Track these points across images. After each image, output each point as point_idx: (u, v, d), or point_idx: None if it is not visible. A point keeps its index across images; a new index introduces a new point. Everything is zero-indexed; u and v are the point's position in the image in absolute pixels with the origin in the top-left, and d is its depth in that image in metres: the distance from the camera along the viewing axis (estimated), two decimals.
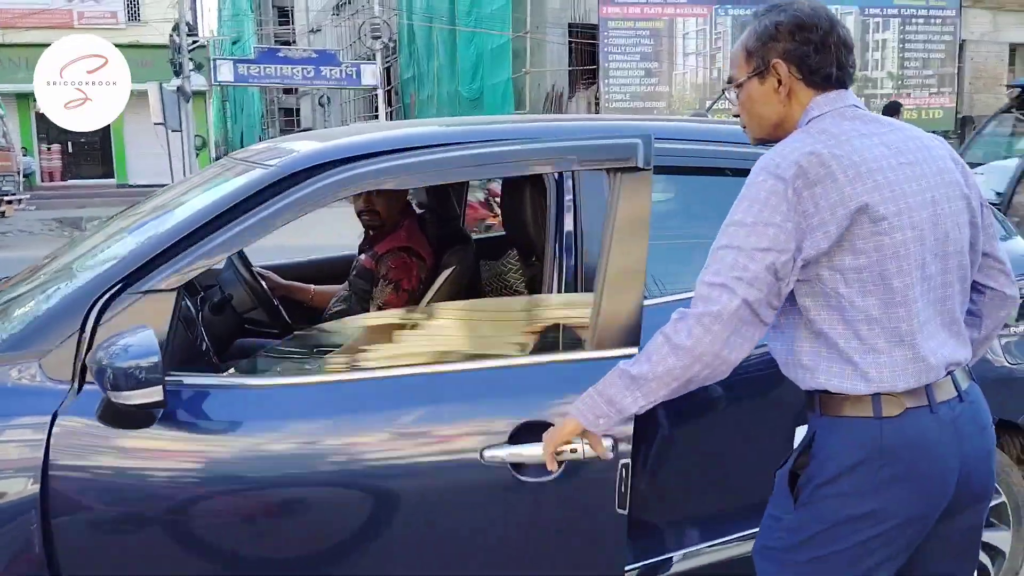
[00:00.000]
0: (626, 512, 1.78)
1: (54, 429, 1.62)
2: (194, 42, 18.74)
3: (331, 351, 2.11)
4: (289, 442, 1.72)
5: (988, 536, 2.29)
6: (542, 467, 1.67)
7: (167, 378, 1.63)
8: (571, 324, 2.03)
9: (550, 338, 2.06)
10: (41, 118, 23.00)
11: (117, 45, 9.56)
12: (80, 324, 1.69)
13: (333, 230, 5.25)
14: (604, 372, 1.56)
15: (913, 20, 18.75)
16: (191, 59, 17.56)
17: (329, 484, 1.73)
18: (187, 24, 17.83)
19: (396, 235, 2.80)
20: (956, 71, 18.66)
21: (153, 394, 1.55)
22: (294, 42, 32.26)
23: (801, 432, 1.68)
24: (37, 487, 1.60)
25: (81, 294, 1.74)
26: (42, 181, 22.96)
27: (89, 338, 1.68)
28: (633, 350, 1.73)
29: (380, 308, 2.65)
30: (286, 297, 3.04)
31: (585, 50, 21.26)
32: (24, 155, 18.65)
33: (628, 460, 1.75)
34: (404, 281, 2.70)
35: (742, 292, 1.44)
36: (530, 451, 1.71)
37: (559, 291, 2.03)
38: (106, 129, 22.56)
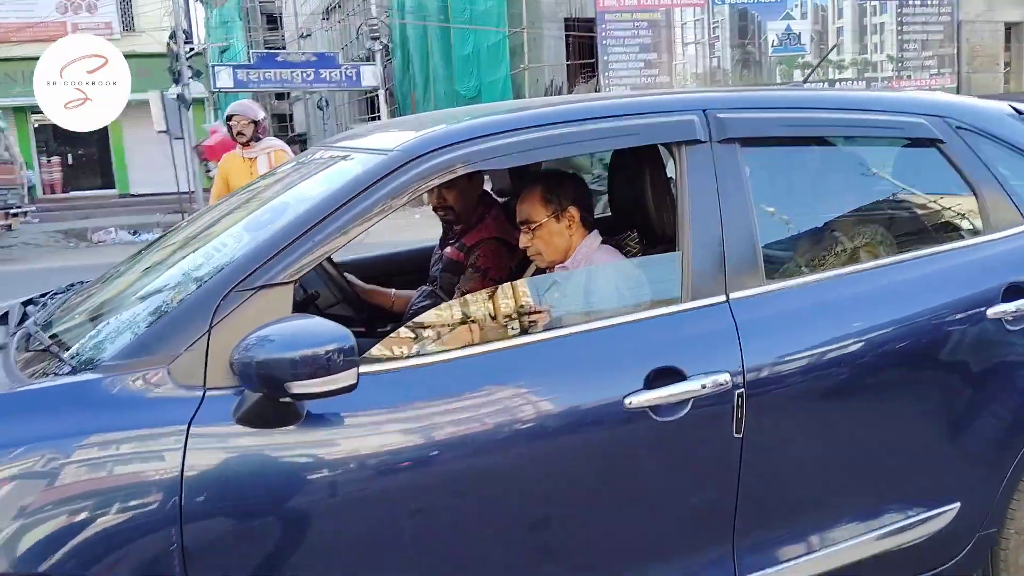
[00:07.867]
0: (741, 435, 1.89)
1: (191, 438, 1.52)
2: (191, 49, 18.58)
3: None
4: (448, 415, 1.71)
5: None
6: (674, 406, 1.84)
7: None
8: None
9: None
10: (40, 131, 22.86)
11: None
12: (208, 326, 1.59)
13: (424, 233, 4.95)
14: (699, 319, 1.91)
15: (910, 2, 18.72)
16: (190, 66, 17.40)
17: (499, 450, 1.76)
18: (184, 32, 17.67)
19: (484, 226, 2.77)
20: (956, 51, 18.64)
21: (347, 378, 1.52)
22: (284, 47, 32.12)
23: None
24: (178, 500, 1.50)
25: (204, 294, 1.64)
26: (43, 193, 22.80)
27: (207, 339, 1.59)
28: (719, 298, 1.93)
29: (464, 295, 2.56)
30: (366, 302, 2.95)
31: (583, 44, 21.16)
32: (24, 168, 18.51)
33: (743, 390, 1.87)
34: (492, 270, 2.64)
35: None
36: (667, 392, 1.83)
37: (692, 280, 1.96)
38: (104, 140, 22.44)
